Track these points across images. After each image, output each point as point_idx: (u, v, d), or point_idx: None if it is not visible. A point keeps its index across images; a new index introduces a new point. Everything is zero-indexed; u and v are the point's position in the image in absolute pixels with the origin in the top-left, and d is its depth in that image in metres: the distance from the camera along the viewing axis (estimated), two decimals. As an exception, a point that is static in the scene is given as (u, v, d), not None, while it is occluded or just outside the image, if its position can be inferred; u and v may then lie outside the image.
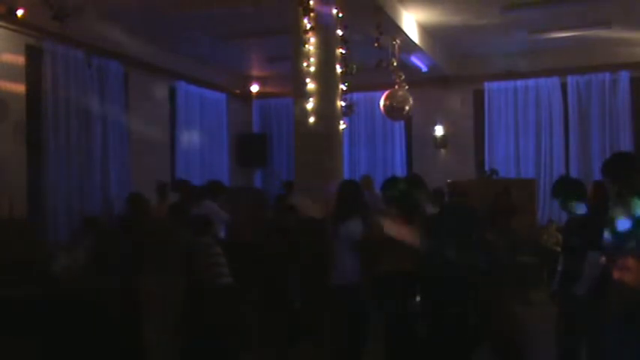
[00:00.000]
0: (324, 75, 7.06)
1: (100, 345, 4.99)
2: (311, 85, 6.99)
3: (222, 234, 8.06)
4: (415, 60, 10.70)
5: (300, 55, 7.05)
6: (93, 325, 5.00)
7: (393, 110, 9.60)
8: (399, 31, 8.95)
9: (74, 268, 5.74)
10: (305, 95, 7.02)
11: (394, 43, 9.11)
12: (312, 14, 6.87)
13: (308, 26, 6.90)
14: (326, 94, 7.09)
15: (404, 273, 5.08)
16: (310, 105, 7.01)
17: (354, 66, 7.49)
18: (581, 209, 4.96)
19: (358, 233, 5.29)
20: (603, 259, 4.03)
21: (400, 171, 12.20)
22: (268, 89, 13.38)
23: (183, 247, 5.54)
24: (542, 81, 11.74)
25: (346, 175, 9.20)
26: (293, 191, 9.16)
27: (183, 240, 5.62)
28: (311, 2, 6.86)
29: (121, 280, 5.29)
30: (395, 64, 9.26)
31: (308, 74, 6.99)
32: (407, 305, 5.21)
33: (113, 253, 5.59)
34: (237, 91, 13.14)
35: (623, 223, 3.63)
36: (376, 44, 8.17)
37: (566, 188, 5.11)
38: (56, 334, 5.05)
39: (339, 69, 7.27)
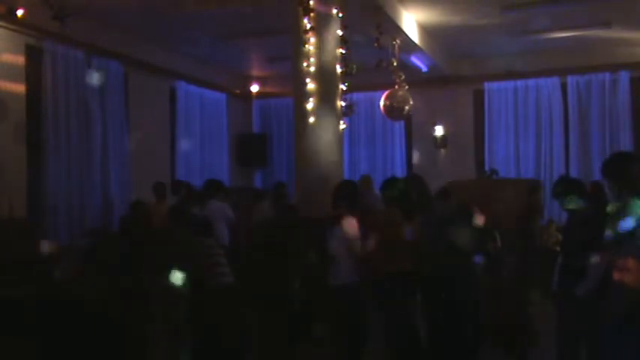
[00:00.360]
0: (324, 75, 7.06)
1: (101, 345, 4.99)
2: (311, 85, 6.99)
3: (226, 234, 8.04)
4: (415, 60, 10.70)
5: (300, 55, 7.05)
6: (93, 325, 5.00)
7: (393, 110, 9.59)
8: (399, 31, 8.95)
9: (74, 270, 5.74)
10: (305, 95, 7.02)
11: (394, 43, 9.11)
12: (312, 14, 6.88)
13: (308, 26, 6.90)
14: (326, 94, 7.10)
15: (404, 273, 5.08)
16: (310, 105, 7.01)
17: (354, 66, 7.48)
18: (581, 208, 4.97)
19: (355, 233, 5.28)
20: (605, 258, 4.03)
21: (400, 171, 12.20)
22: (268, 89, 13.38)
23: (183, 248, 5.53)
24: (542, 81, 11.74)
25: (346, 175, 9.20)
26: (287, 191, 9.19)
27: (184, 240, 5.62)
28: (311, 2, 6.86)
29: (121, 280, 5.28)
30: (395, 64, 9.26)
31: (308, 74, 6.99)
32: (407, 305, 5.22)
33: (113, 253, 5.58)
34: (237, 91, 13.14)
35: (625, 223, 3.62)
36: (376, 44, 8.17)
37: (566, 188, 5.11)
38: (56, 334, 5.05)
39: (339, 69, 7.27)
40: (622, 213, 3.67)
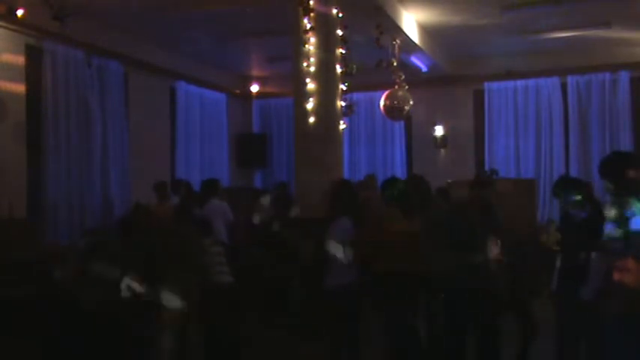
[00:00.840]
0: (324, 75, 7.07)
1: (101, 346, 4.99)
2: (311, 85, 7.00)
3: (224, 233, 8.05)
4: (415, 60, 10.70)
5: (300, 55, 7.05)
6: (93, 325, 5.00)
7: (393, 110, 9.60)
8: (399, 31, 8.95)
9: (74, 270, 5.74)
10: (305, 95, 7.02)
11: (394, 43, 9.11)
12: (312, 14, 6.88)
13: (308, 26, 6.90)
14: (326, 94, 7.10)
15: (404, 273, 5.08)
16: (310, 105, 7.01)
17: (354, 66, 7.49)
18: (580, 209, 4.97)
19: (347, 233, 5.27)
20: (606, 260, 4.02)
21: (400, 171, 12.21)
22: (268, 89, 13.38)
23: (185, 248, 5.53)
24: (542, 81, 11.75)
25: (346, 175, 9.20)
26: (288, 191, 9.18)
27: (187, 240, 5.61)
28: (311, 2, 6.87)
29: (122, 280, 5.28)
30: (395, 64, 9.26)
31: (308, 74, 6.99)
32: (407, 305, 5.21)
33: (113, 254, 5.58)
34: (237, 91, 13.14)
35: (637, 222, 3.59)
36: (376, 42, 8.17)
37: (565, 187, 5.11)
38: (56, 334, 5.05)
39: (339, 69, 7.28)
40: (623, 213, 3.66)
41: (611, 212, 3.73)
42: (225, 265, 5.72)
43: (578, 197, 4.94)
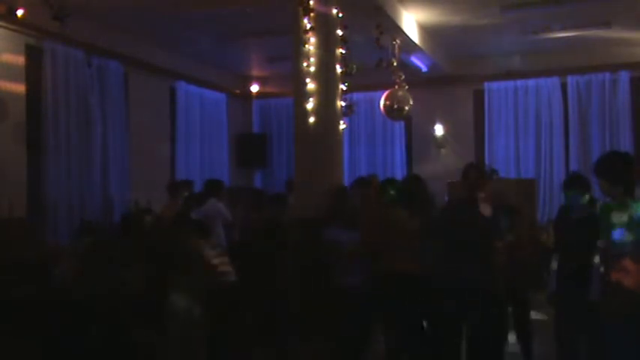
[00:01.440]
0: (324, 75, 7.06)
1: (100, 345, 4.99)
2: (311, 85, 7.00)
3: (222, 233, 8.06)
4: (415, 60, 10.70)
5: (300, 55, 7.05)
6: (93, 325, 5.00)
7: (393, 110, 9.59)
8: (399, 31, 8.95)
9: (74, 270, 5.74)
10: (305, 95, 7.02)
11: (394, 43, 9.11)
12: (312, 14, 6.88)
13: (308, 26, 6.90)
14: (326, 94, 7.10)
15: (404, 273, 5.08)
16: (310, 105, 7.01)
17: (354, 66, 7.49)
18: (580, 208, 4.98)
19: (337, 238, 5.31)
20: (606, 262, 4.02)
21: (400, 171, 12.21)
22: (268, 89, 13.38)
23: (185, 249, 5.53)
24: (542, 81, 11.74)
25: (346, 175, 9.18)
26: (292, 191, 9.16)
27: (185, 241, 5.62)
28: (311, 2, 6.87)
29: (122, 281, 5.28)
30: (395, 64, 9.25)
31: (308, 74, 6.99)
32: (407, 305, 5.22)
33: (112, 255, 5.58)
34: (237, 91, 13.14)
35: (619, 233, 3.61)
36: (376, 42, 8.17)
37: (570, 185, 5.13)
38: (56, 334, 5.05)
39: (339, 69, 7.28)
40: (620, 214, 3.66)
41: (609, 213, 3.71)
42: (226, 265, 5.72)
43: (571, 195, 4.96)
